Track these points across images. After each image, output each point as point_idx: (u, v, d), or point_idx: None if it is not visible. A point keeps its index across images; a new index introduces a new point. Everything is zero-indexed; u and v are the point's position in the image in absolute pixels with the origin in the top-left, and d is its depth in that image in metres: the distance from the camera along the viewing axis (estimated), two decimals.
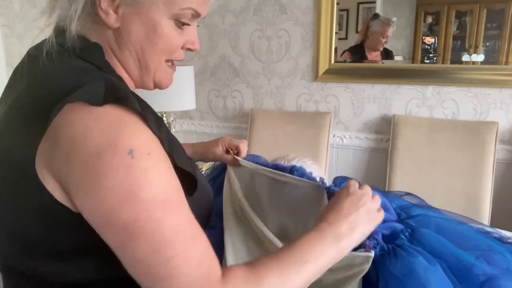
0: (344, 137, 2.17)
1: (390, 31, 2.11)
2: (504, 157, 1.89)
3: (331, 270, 0.68)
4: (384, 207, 0.78)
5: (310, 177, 0.83)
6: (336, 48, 2.11)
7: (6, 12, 2.61)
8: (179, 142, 0.68)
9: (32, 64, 0.58)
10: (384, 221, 0.73)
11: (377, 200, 0.68)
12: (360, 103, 2.12)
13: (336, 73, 2.12)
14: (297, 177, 0.82)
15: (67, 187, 0.50)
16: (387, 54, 2.13)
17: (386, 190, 1.95)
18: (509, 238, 0.76)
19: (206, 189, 0.71)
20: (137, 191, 0.48)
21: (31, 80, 0.57)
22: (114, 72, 0.60)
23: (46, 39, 0.60)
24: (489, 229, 0.79)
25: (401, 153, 1.94)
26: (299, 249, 0.58)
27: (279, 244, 0.78)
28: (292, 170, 0.85)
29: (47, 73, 0.56)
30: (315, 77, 2.16)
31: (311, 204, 0.78)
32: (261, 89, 2.33)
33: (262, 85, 2.32)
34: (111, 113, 0.50)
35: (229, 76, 2.39)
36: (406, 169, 1.93)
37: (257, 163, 0.90)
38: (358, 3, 2.14)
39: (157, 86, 0.67)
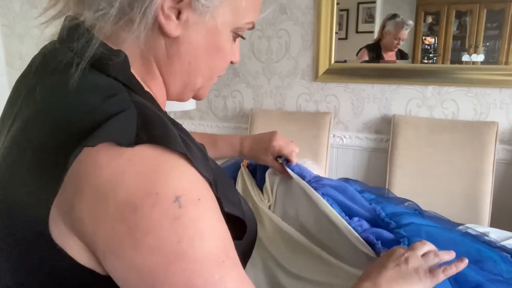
0: (344, 137, 2.17)
1: (404, 34, 2.10)
2: (504, 157, 1.89)
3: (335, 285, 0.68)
4: (360, 203, 0.79)
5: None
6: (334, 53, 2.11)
7: (6, 12, 2.61)
8: (225, 174, 0.59)
9: (49, 82, 0.47)
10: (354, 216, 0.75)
11: (428, 258, 0.62)
12: (360, 103, 2.12)
13: (336, 73, 2.12)
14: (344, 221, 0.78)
15: (93, 246, 0.40)
16: (402, 56, 2.13)
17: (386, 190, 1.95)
18: (501, 240, 0.76)
19: (252, 224, 0.59)
20: (188, 248, 0.39)
21: (44, 105, 0.45)
22: (142, 89, 0.50)
23: (53, 41, 0.50)
24: (474, 233, 0.79)
25: (401, 153, 1.94)
26: None
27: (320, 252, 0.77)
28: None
29: (64, 96, 0.44)
30: (315, 77, 2.16)
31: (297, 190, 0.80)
32: (261, 89, 2.33)
33: (262, 85, 2.32)
34: (147, 154, 0.40)
35: (229, 76, 2.39)
36: (406, 169, 1.93)
37: (301, 176, 0.86)
38: (358, 3, 2.14)
39: (195, 99, 0.60)
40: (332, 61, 2.11)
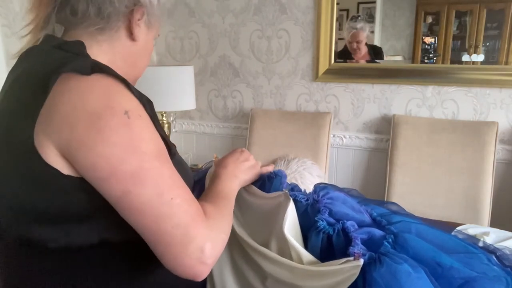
0: (344, 137, 2.17)
1: (357, 36, 2.10)
2: (504, 157, 1.89)
3: (320, 276, 0.68)
4: (357, 210, 0.79)
5: (282, 184, 0.83)
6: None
7: (6, 12, 2.61)
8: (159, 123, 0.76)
9: (25, 59, 0.68)
10: (360, 226, 0.74)
11: (249, 161, 0.86)
12: (360, 103, 2.12)
13: (336, 73, 2.12)
14: (264, 193, 0.83)
15: (67, 148, 0.56)
16: (376, 52, 2.12)
17: (386, 190, 1.95)
18: (501, 240, 0.76)
19: (185, 169, 0.77)
20: (138, 146, 0.57)
21: (25, 69, 0.65)
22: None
23: (34, 45, 0.70)
24: (462, 236, 0.80)
25: (401, 153, 1.94)
26: (219, 194, 0.75)
27: (261, 249, 0.77)
28: (270, 177, 0.85)
29: (39, 61, 0.65)
30: (315, 77, 2.16)
31: (277, 210, 0.78)
32: (261, 89, 2.33)
33: (262, 85, 2.32)
34: (101, 80, 0.58)
35: (229, 76, 2.39)
36: (406, 169, 1.93)
37: None
38: (358, 3, 2.14)
39: None
40: (332, 61, 2.11)
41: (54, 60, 0.62)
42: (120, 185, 0.56)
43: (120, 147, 0.56)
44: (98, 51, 0.68)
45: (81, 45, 0.66)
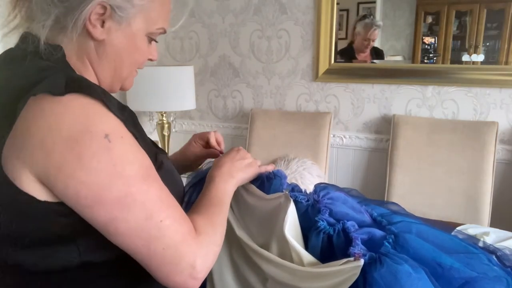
0: (344, 137, 2.17)
1: (374, 34, 2.10)
2: (504, 157, 1.89)
3: (321, 277, 0.68)
4: (358, 210, 0.79)
5: (283, 184, 0.82)
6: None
7: (6, 12, 2.61)
8: (145, 133, 0.74)
9: (6, 67, 0.63)
10: (361, 226, 0.74)
11: (246, 159, 0.83)
12: (360, 103, 2.12)
13: (336, 73, 2.12)
14: (264, 194, 0.82)
15: (44, 175, 0.53)
16: (377, 54, 2.13)
17: (386, 190, 1.95)
18: (501, 240, 0.76)
19: (175, 178, 0.76)
20: (122, 170, 0.55)
21: (1, 81, 0.61)
22: (73, 71, 0.64)
23: (11, 48, 0.66)
24: (462, 236, 0.80)
25: (401, 153, 1.94)
26: (212, 200, 0.73)
27: (261, 251, 0.77)
28: (269, 177, 0.84)
29: (9, 75, 0.60)
30: (315, 77, 2.16)
31: (278, 211, 0.77)
32: (261, 89, 2.33)
33: (262, 85, 2.32)
34: (77, 101, 0.54)
35: (229, 76, 2.39)
36: (406, 169, 1.93)
37: None
38: (358, 3, 2.14)
39: (122, 89, 0.75)
40: (332, 61, 2.11)
41: (29, 74, 0.58)
42: (106, 212, 0.54)
43: (103, 173, 0.53)
44: (71, 54, 0.64)
45: (59, 51, 0.62)
